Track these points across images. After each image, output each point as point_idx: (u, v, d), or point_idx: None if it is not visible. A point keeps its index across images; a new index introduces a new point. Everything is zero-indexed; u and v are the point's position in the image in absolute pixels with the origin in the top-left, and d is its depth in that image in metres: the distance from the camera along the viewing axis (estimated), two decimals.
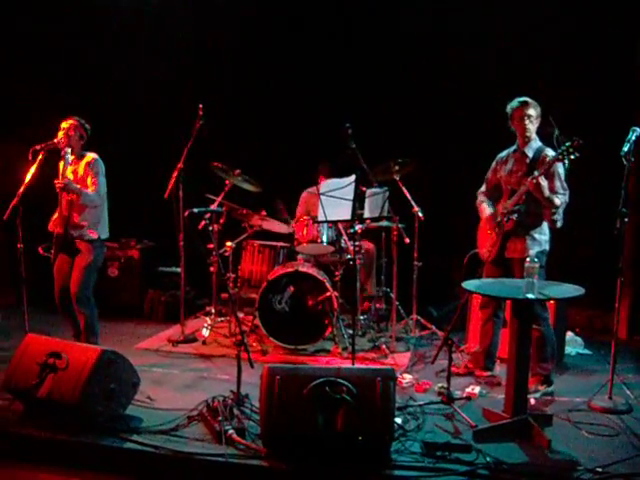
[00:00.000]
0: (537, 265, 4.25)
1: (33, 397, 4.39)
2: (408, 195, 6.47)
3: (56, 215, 5.52)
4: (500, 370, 5.37)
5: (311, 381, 3.94)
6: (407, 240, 6.41)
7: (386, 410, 3.93)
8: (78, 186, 5.39)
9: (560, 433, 4.34)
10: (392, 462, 3.94)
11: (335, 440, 3.90)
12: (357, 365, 5.31)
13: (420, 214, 6.45)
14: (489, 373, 5.42)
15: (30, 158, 5.25)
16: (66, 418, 4.28)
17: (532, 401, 4.82)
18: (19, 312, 5.71)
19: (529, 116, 5.06)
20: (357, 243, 6.15)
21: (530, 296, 4.14)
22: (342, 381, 3.93)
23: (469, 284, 4.56)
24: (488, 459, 3.90)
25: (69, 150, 5.43)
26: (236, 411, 4.46)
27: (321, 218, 5.89)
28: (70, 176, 5.45)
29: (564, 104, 5.88)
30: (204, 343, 6.45)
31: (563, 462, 3.96)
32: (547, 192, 4.85)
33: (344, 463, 3.90)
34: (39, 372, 4.40)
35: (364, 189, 6.41)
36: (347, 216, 5.86)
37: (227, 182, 6.68)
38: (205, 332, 6.59)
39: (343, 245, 6.50)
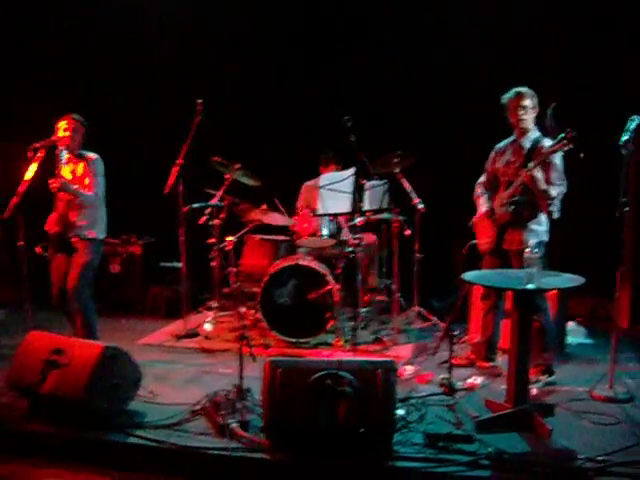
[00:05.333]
0: (537, 255, 4.25)
1: (37, 394, 4.40)
2: (408, 187, 6.47)
3: (53, 214, 5.52)
4: (501, 361, 5.36)
5: (312, 374, 3.95)
6: (408, 232, 6.41)
7: (387, 402, 3.95)
8: (75, 187, 5.37)
9: (561, 423, 4.34)
10: (394, 453, 3.96)
11: (337, 432, 3.91)
12: (358, 357, 5.33)
13: (420, 206, 6.44)
14: (491, 364, 5.43)
15: (30, 156, 5.25)
16: (70, 414, 4.30)
17: (534, 391, 4.81)
18: (21, 310, 5.72)
19: (525, 107, 5.06)
20: (357, 236, 6.16)
21: (531, 286, 4.15)
22: (343, 373, 3.94)
23: (469, 275, 4.57)
24: (490, 449, 3.91)
25: (64, 150, 5.41)
26: (239, 405, 4.47)
27: (321, 211, 5.90)
28: (68, 176, 5.45)
29: (563, 94, 5.87)
30: (207, 338, 6.47)
31: (564, 451, 3.97)
32: (542, 184, 4.85)
33: (346, 455, 3.92)
34: (42, 369, 4.41)
35: (364, 182, 6.41)
36: (347, 209, 5.88)
37: (227, 176, 6.69)
38: (207, 327, 6.61)
39: (344, 238, 6.50)
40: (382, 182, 6.40)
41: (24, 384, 4.52)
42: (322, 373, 3.95)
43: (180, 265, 6.63)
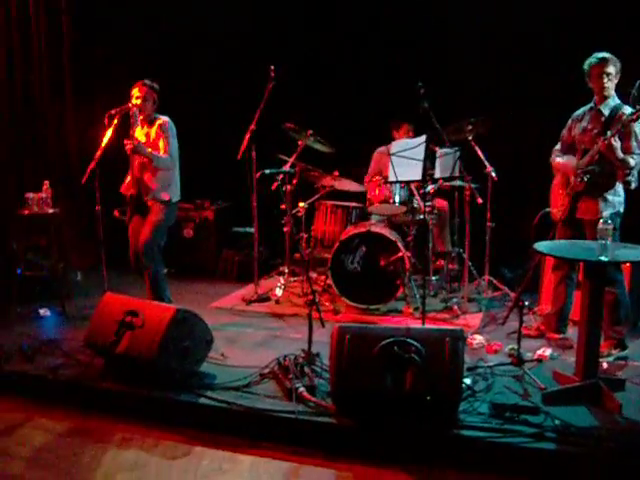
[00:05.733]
0: (611, 227, 4.15)
1: (112, 353, 4.56)
2: (481, 155, 6.36)
3: (129, 178, 5.66)
4: (572, 333, 5.28)
5: (380, 340, 3.97)
6: (480, 200, 6.31)
7: (455, 370, 3.95)
8: (149, 149, 5.49)
9: (632, 398, 4.26)
10: (460, 422, 3.96)
11: (403, 399, 3.94)
12: (426, 325, 5.32)
13: (493, 174, 6.35)
14: (561, 335, 5.35)
15: (106, 123, 5.36)
16: (143, 374, 4.44)
17: (605, 365, 4.74)
18: (98, 272, 5.90)
19: (608, 74, 4.88)
20: (429, 203, 6.12)
21: (604, 258, 4.06)
22: (411, 341, 3.95)
23: (541, 246, 4.50)
24: (556, 422, 3.88)
25: (137, 111, 5.51)
26: (307, 369, 4.54)
27: (392, 178, 5.87)
28: (142, 138, 5.57)
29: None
30: (277, 302, 6.56)
31: (634, 427, 3.91)
32: (620, 153, 4.69)
33: (412, 422, 3.95)
34: (117, 329, 4.56)
35: (436, 149, 6.35)
36: (418, 176, 5.83)
37: (299, 143, 6.71)
38: (278, 291, 6.69)
39: (415, 205, 6.46)
40: (454, 149, 6.31)
41: (100, 344, 4.68)
42: (390, 340, 3.96)
43: (252, 230, 6.71)
